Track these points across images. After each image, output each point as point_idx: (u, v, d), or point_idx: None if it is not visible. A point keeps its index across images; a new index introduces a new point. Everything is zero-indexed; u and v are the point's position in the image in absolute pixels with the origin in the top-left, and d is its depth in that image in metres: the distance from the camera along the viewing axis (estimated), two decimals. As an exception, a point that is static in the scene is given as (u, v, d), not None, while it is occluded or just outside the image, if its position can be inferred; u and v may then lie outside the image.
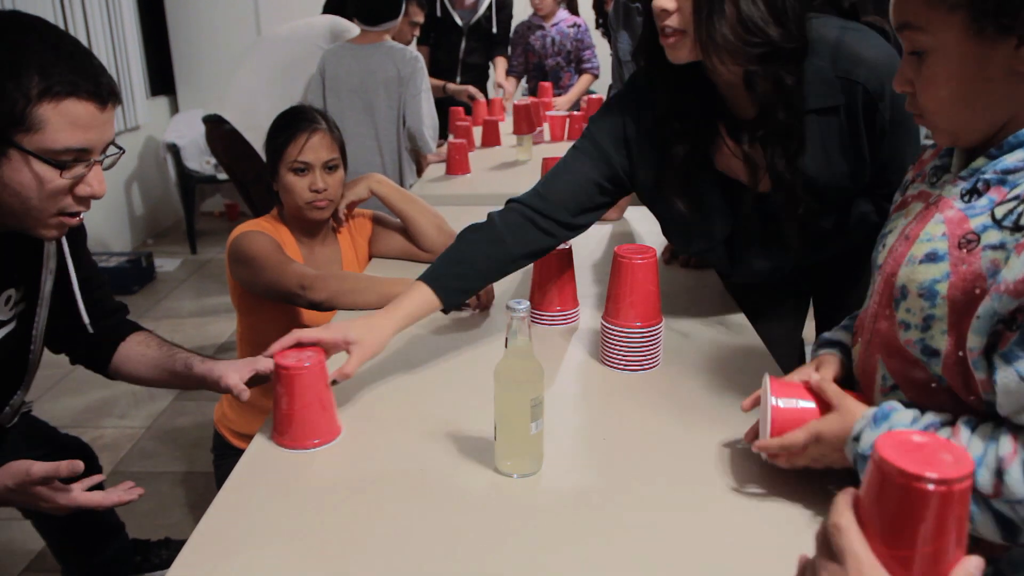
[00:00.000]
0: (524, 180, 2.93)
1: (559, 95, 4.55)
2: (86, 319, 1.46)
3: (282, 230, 1.96)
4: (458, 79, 4.69)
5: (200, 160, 5.44)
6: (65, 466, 1.20)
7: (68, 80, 1.13)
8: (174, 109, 6.03)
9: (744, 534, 1.04)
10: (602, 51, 4.75)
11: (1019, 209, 0.89)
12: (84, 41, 4.79)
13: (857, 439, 0.99)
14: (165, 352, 1.52)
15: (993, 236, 0.90)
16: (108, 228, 5.14)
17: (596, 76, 4.72)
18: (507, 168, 3.23)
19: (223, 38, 5.74)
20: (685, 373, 1.48)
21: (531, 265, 1.67)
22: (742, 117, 1.46)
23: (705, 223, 1.57)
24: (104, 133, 1.21)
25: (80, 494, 1.25)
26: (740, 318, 1.72)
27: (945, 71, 0.94)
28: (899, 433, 0.67)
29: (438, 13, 4.54)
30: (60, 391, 3.41)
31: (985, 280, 0.90)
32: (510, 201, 1.57)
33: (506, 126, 3.77)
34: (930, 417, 0.97)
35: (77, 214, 1.25)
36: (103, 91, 1.17)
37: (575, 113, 3.80)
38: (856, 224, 1.51)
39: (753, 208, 1.52)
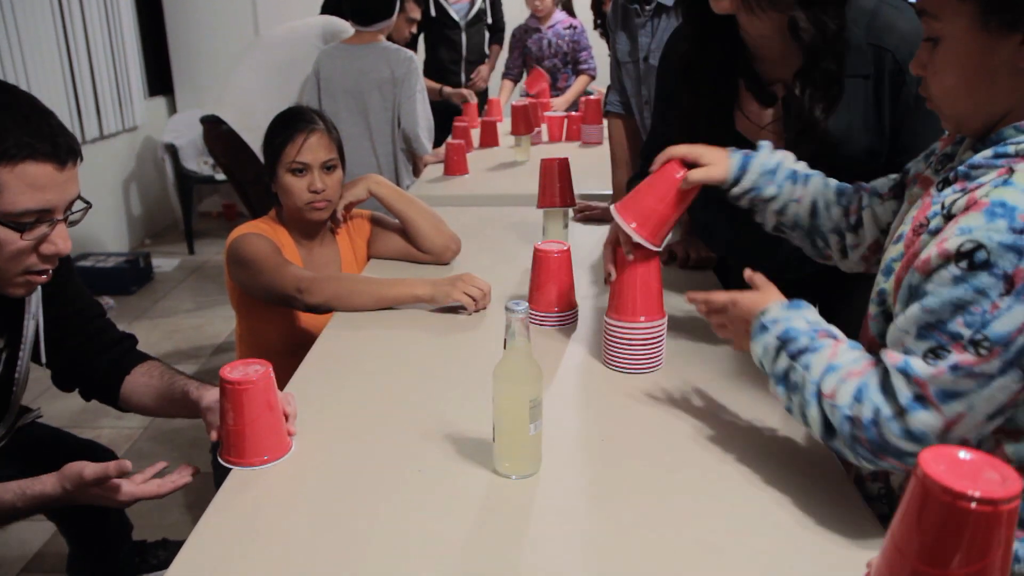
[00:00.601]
0: (522, 180, 2.95)
1: (556, 96, 4.55)
2: (43, 359, 1.46)
3: (280, 232, 1.96)
4: (463, 76, 4.70)
5: (198, 160, 5.44)
6: (114, 467, 1.21)
7: (24, 143, 1.13)
8: (172, 109, 6.03)
9: (744, 536, 1.04)
10: (599, 52, 4.75)
11: (958, 200, 0.95)
12: (82, 43, 4.80)
13: (764, 312, 1.13)
14: (167, 380, 1.50)
15: (935, 222, 0.98)
16: (106, 228, 5.13)
17: (593, 77, 4.73)
18: (505, 168, 3.23)
19: (221, 38, 5.74)
20: (685, 373, 1.48)
21: (529, 265, 1.67)
22: (768, 77, 1.49)
23: (715, 191, 1.56)
24: (65, 192, 1.21)
25: (137, 488, 1.26)
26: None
27: (953, 59, 0.99)
28: (944, 448, 0.66)
29: (433, 12, 4.53)
30: (56, 392, 3.39)
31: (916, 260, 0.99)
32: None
33: (504, 127, 3.77)
34: (833, 328, 1.10)
35: (44, 272, 1.25)
36: (60, 151, 1.17)
37: (573, 114, 3.80)
38: None
39: None
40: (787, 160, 1.37)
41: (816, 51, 1.37)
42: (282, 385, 1.45)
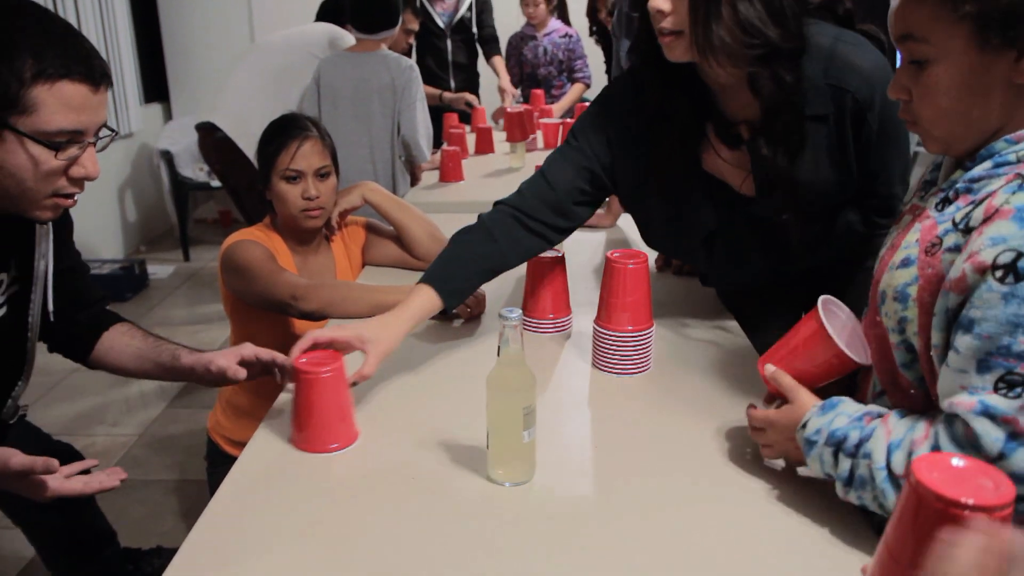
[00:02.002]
0: (517, 187, 2.95)
1: (551, 103, 4.56)
2: (50, 306, 1.45)
3: (275, 238, 1.96)
4: (451, 82, 4.71)
5: (193, 167, 5.44)
6: (41, 464, 1.19)
7: (61, 63, 1.14)
8: (167, 116, 6.03)
9: (738, 541, 1.04)
10: (594, 60, 4.77)
11: (972, 212, 0.93)
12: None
13: (804, 426, 1.05)
14: (151, 343, 1.52)
15: (951, 239, 0.95)
16: (101, 235, 5.13)
17: (588, 85, 4.74)
18: (501, 175, 3.24)
19: (217, 45, 5.75)
20: (677, 378, 1.48)
21: (524, 272, 1.68)
22: (733, 118, 1.47)
23: (687, 225, 1.58)
24: (97, 114, 1.22)
25: (60, 483, 1.24)
26: (731, 324, 1.72)
27: (947, 80, 0.96)
28: (937, 455, 0.66)
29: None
30: (52, 398, 3.40)
31: (945, 281, 0.94)
32: (497, 203, 1.59)
33: (499, 133, 3.78)
34: (872, 407, 1.03)
35: (72, 195, 1.26)
36: (96, 73, 1.18)
37: (568, 121, 3.81)
38: (841, 234, 1.52)
39: (737, 212, 1.53)
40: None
41: (775, 106, 1.35)
42: (275, 393, 1.46)
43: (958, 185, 0.99)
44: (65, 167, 1.21)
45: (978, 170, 0.97)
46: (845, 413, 1.03)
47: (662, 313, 1.74)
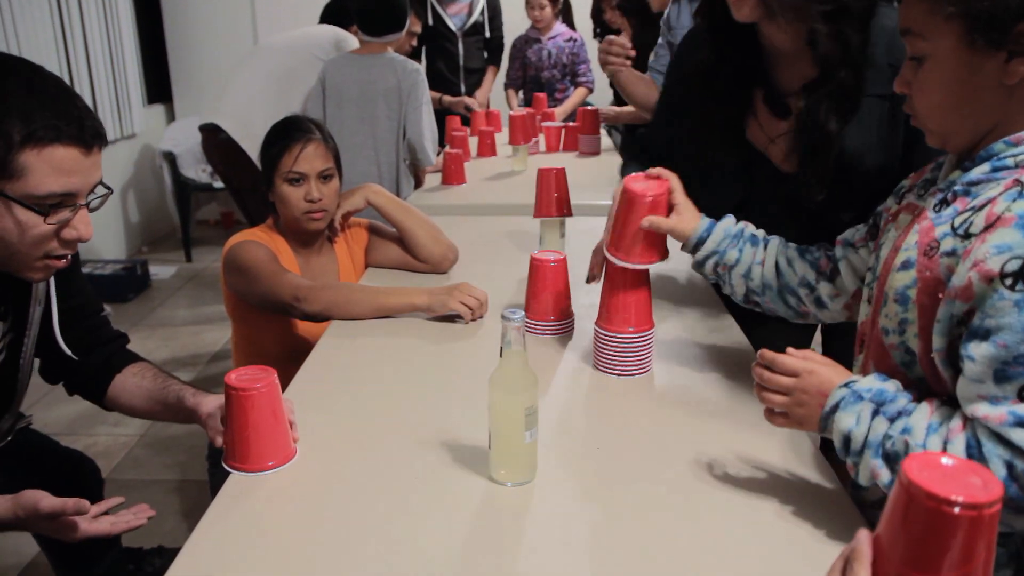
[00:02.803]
0: (519, 190, 2.96)
1: (553, 107, 4.57)
2: (66, 351, 1.45)
3: (278, 240, 1.97)
4: (462, 86, 4.73)
5: (196, 168, 5.45)
6: (72, 505, 1.19)
7: (52, 125, 1.12)
8: (171, 117, 6.04)
9: (738, 541, 1.04)
10: (598, 65, 4.78)
11: (971, 218, 0.93)
12: (81, 50, 4.81)
13: (854, 381, 1.01)
14: (159, 384, 1.50)
15: (949, 243, 0.96)
16: (103, 236, 5.14)
17: (591, 90, 4.76)
18: (503, 178, 3.25)
19: (220, 47, 5.76)
20: (678, 379, 1.49)
21: (526, 275, 1.68)
22: (786, 89, 1.49)
23: (716, 190, 1.58)
24: (89, 177, 1.19)
25: (89, 526, 1.25)
26: (730, 323, 1.73)
27: (939, 77, 0.99)
28: (927, 455, 0.66)
29: (430, 21, 4.55)
30: (53, 399, 3.39)
31: (944, 285, 0.95)
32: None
33: (502, 136, 3.78)
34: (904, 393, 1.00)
35: (63, 257, 1.25)
36: (87, 135, 1.16)
37: (570, 124, 3.82)
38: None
39: (771, 187, 1.54)
40: (749, 227, 1.40)
41: (832, 63, 1.37)
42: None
43: (956, 187, 1.00)
44: (56, 230, 1.19)
45: (976, 173, 0.98)
46: (896, 384, 1.01)
47: (664, 315, 1.74)
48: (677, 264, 2.14)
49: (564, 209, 2.09)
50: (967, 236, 0.93)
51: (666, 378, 1.51)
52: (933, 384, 1.01)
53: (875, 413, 0.98)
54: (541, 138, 3.83)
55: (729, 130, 1.55)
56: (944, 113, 1.01)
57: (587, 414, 1.43)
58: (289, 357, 1.72)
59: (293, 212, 1.92)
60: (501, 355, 1.12)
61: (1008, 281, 0.86)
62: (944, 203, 1.01)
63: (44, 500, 1.20)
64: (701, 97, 1.55)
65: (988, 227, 0.90)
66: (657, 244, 1.42)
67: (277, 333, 1.95)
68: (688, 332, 1.72)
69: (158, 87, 5.96)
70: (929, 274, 0.97)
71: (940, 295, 0.95)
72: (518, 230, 2.45)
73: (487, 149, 3.66)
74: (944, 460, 0.66)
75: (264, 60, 3.47)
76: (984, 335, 0.88)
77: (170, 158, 5.33)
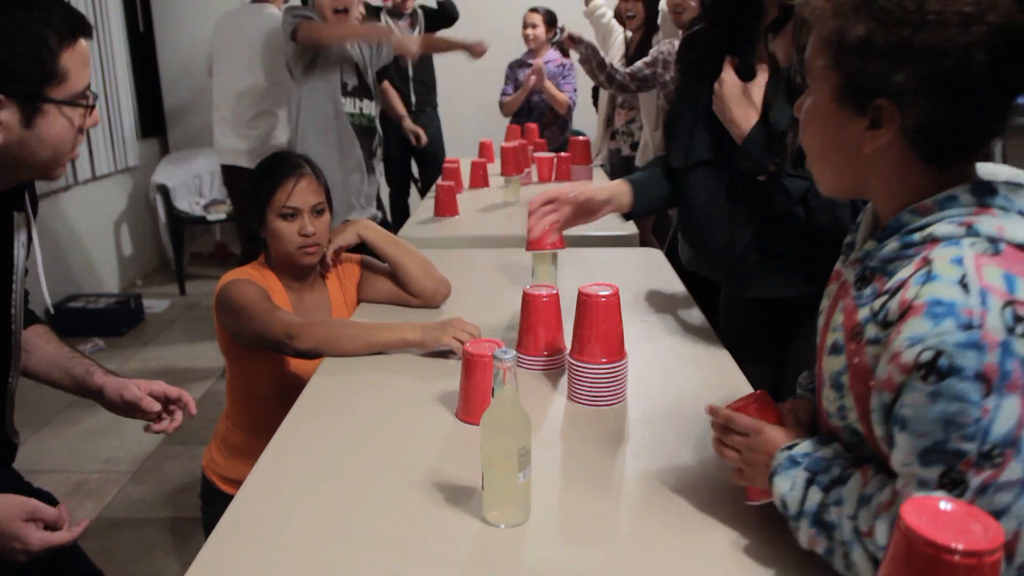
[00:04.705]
0: (512, 221, 2.97)
1: (544, 138, 4.60)
2: (47, 299, 1.44)
3: (269, 276, 1.96)
4: (412, 96, 5.01)
5: (190, 200, 5.46)
6: (54, 514, 1.21)
7: (68, 23, 1.18)
8: (164, 150, 6.07)
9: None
10: (584, 96, 4.95)
11: (889, 304, 0.90)
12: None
13: (795, 445, 1.03)
14: (66, 352, 1.49)
15: (872, 330, 0.93)
16: (97, 269, 5.13)
17: (571, 104, 4.84)
18: (495, 209, 3.26)
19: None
20: (661, 409, 1.48)
21: (518, 307, 1.69)
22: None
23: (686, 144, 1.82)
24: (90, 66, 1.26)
25: (49, 534, 1.22)
26: (717, 351, 1.73)
27: (816, 119, 0.99)
28: (927, 499, 0.66)
29: None
30: (46, 433, 3.38)
31: (872, 373, 0.92)
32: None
33: (494, 167, 3.80)
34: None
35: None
36: (87, 24, 1.23)
37: (562, 154, 3.84)
38: (826, 220, 1.60)
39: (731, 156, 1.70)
40: None
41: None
42: (271, 430, 1.46)
43: (872, 264, 0.97)
44: (82, 123, 1.25)
45: (888, 249, 0.95)
46: (833, 448, 1.01)
47: (642, 340, 1.75)
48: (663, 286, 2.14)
49: (556, 242, 2.09)
50: (887, 324, 0.90)
51: (645, 407, 1.51)
52: (887, 459, 0.96)
53: (809, 482, 0.99)
54: (533, 168, 3.84)
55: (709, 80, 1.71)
56: (814, 155, 1.02)
57: (581, 451, 1.42)
58: (282, 395, 1.71)
59: (287, 247, 1.92)
60: (493, 395, 1.11)
61: (922, 372, 0.83)
62: (864, 280, 0.98)
63: (43, 508, 1.21)
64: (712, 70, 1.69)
65: (903, 315, 0.87)
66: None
67: (270, 371, 1.94)
68: (669, 357, 1.71)
69: (152, 120, 5.98)
70: (858, 361, 0.95)
71: (872, 383, 0.92)
72: (510, 262, 2.45)
73: (479, 180, 3.68)
74: (943, 505, 0.65)
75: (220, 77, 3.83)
76: (903, 424, 0.86)
77: (164, 191, 5.33)
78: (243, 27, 3.74)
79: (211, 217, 5.39)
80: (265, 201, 1.91)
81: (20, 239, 1.38)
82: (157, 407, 1.39)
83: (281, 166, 1.94)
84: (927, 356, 0.83)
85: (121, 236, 5.52)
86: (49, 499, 1.78)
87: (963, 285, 0.84)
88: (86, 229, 4.94)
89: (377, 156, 3.33)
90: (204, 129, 4.95)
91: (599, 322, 1.49)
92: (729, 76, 1.65)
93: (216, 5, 4.70)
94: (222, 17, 3.96)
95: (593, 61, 3.61)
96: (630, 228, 2.86)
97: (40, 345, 1.50)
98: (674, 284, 2.29)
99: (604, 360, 1.49)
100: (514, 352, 1.09)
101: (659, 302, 2.13)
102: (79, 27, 1.20)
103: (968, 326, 0.81)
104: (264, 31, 3.60)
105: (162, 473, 3.11)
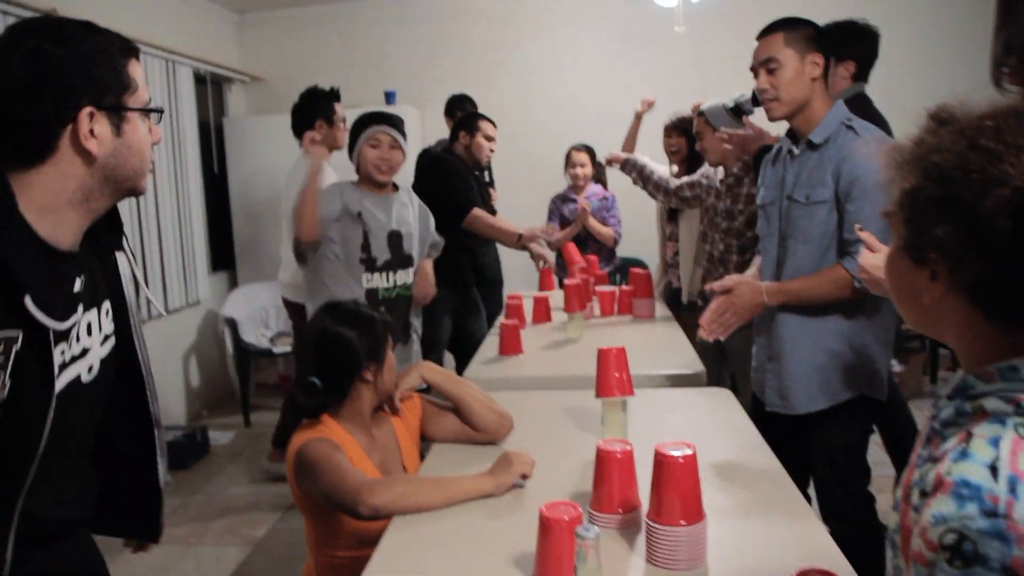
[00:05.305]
0: (577, 359, 2.96)
1: (604, 269, 4.66)
2: (159, 305, 1.49)
3: (336, 430, 1.96)
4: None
5: (256, 333, 5.59)
6: None
7: (126, 44, 1.26)
8: (233, 283, 6.25)
9: None
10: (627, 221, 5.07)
11: (928, 475, 0.87)
12: (153, 222, 5.06)
13: None
14: None
15: (915, 496, 0.89)
16: (164, 400, 5.22)
17: (616, 237, 4.91)
18: (559, 347, 3.24)
19: (281, 215, 6.00)
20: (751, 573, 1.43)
21: (588, 456, 1.67)
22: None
23: None
24: None
25: None
26: (800, 504, 1.67)
27: (890, 263, 1.01)
28: None
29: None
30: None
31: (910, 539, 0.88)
32: None
33: (555, 300, 3.84)
34: None
35: None
36: (136, 46, 1.30)
37: (624, 288, 3.86)
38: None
39: None
40: None
41: None
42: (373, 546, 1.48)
43: (936, 424, 0.95)
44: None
45: (947, 413, 0.93)
46: None
47: (714, 499, 1.70)
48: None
49: (626, 388, 2.08)
50: (923, 494, 0.87)
51: (726, 566, 1.45)
52: None
53: None
54: (595, 301, 3.86)
55: None
56: (892, 295, 1.03)
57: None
58: (361, 547, 1.70)
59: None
60: (576, 573, 1.09)
61: (947, 555, 0.80)
62: (928, 440, 0.95)
63: None
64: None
65: (935, 489, 0.84)
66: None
67: (350, 524, 1.91)
68: (748, 513, 1.66)
69: (222, 255, 6.20)
70: (906, 522, 0.91)
71: (909, 551, 0.89)
72: (577, 406, 2.42)
73: (543, 315, 3.70)
74: None
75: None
76: None
77: (232, 324, 5.47)
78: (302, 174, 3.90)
79: (276, 350, 5.50)
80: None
81: (124, 275, 1.47)
82: None
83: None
84: (950, 539, 0.80)
85: (190, 368, 5.65)
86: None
87: (992, 469, 0.81)
88: (156, 361, 5.04)
89: (413, 327, 3.29)
90: (271, 263, 5.11)
91: (677, 483, 1.46)
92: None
93: (287, 149, 4.91)
94: (297, 161, 4.14)
95: (634, 171, 3.83)
96: (697, 366, 2.83)
97: None
98: (744, 425, 2.25)
99: (683, 523, 1.45)
100: (596, 530, 1.07)
101: (731, 447, 2.08)
102: (132, 47, 1.29)
103: (992, 513, 0.79)
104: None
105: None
